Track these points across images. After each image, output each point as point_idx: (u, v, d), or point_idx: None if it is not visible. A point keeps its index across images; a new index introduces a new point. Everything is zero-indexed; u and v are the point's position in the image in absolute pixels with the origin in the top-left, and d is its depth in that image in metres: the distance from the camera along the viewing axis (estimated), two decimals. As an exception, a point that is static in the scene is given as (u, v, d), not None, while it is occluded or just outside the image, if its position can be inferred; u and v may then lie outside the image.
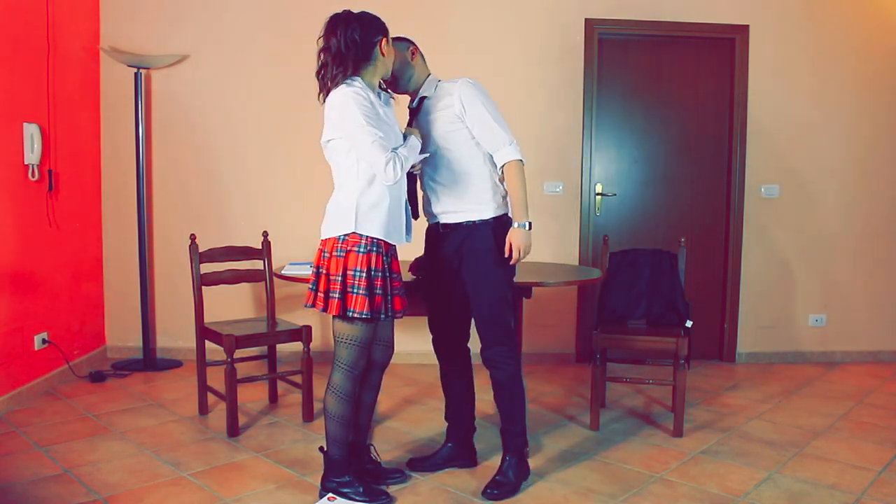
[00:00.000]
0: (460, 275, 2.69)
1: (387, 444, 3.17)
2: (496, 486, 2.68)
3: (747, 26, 4.58)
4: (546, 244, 4.46)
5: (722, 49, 4.65)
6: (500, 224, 2.66)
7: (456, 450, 2.93)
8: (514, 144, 2.60)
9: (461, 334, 2.87)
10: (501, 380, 2.70)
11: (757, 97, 4.61)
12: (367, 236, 2.46)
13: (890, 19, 4.65)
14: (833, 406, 3.82)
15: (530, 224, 2.61)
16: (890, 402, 3.90)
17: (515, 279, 2.79)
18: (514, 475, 2.72)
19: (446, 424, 2.97)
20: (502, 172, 2.64)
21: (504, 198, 2.70)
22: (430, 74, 2.75)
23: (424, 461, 2.91)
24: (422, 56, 2.73)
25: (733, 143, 4.66)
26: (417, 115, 2.72)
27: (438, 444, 3.08)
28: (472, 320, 2.78)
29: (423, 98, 2.70)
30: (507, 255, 2.61)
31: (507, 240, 2.61)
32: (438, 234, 2.73)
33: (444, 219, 2.70)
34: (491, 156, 2.64)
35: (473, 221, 2.65)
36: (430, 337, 2.89)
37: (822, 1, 4.60)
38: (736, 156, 4.65)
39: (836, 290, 4.76)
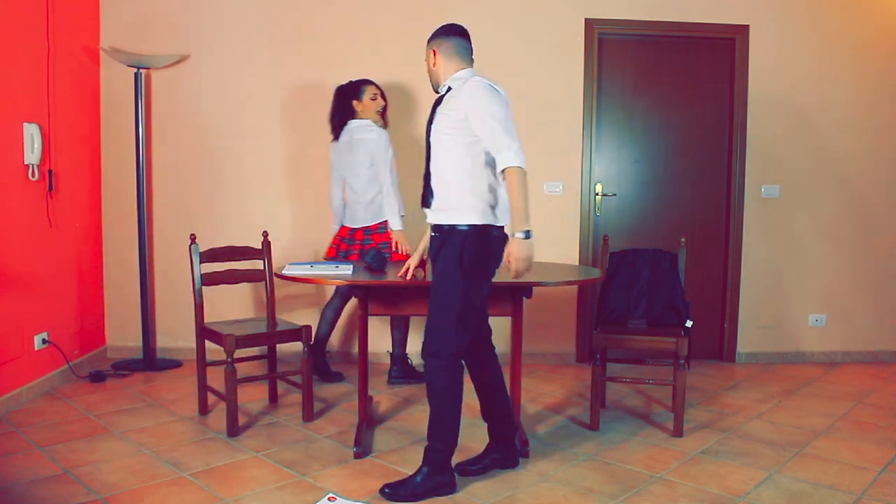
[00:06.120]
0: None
1: (387, 444, 3.17)
2: (397, 485, 2.62)
3: (747, 26, 4.58)
4: (546, 244, 4.45)
5: (722, 49, 4.65)
6: (477, 234, 2.58)
7: (500, 450, 2.88)
8: (514, 150, 2.48)
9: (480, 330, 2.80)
10: (429, 389, 2.68)
11: (757, 97, 4.61)
12: None
13: (890, 19, 4.64)
14: (833, 406, 3.82)
15: (528, 233, 2.48)
16: (890, 402, 3.90)
17: (515, 279, 2.68)
18: (420, 482, 2.62)
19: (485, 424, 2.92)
20: (503, 178, 2.54)
21: (493, 207, 2.61)
22: (464, 69, 2.71)
23: (473, 464, 2.84)
24: (445, 56, 2.72)
25: (733, 143, 4.66)
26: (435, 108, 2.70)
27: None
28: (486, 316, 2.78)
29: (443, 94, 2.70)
30: (506, 268, 2.54)
31: (504, 253, 2.56)
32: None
33: (431, 218, 2.71)
34: (493, 161, 2.56)
35: (452, 226, 2.60)
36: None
37: (823, 1, 4.60)
38: (736, 156, 4.65)
39: (836, 290, 4.75)
